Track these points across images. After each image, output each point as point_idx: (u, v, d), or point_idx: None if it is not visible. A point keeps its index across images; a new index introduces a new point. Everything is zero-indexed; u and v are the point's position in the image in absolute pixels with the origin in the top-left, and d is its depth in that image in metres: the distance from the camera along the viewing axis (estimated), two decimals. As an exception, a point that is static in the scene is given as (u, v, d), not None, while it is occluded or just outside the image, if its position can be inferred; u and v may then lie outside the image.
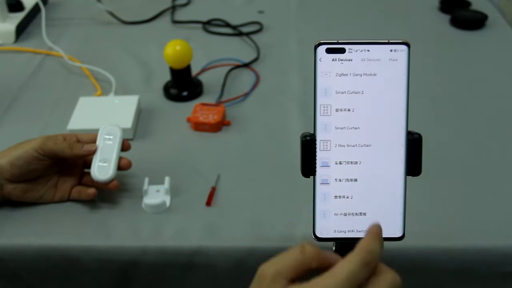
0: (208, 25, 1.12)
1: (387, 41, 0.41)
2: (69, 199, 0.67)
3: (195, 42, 0.92)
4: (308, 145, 0.42)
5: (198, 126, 0.81)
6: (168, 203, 0.67)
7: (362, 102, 0.41)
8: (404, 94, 0.41)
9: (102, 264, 0.62)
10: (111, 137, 0.67)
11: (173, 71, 0.87)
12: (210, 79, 0.92)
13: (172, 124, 0.83)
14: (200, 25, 1.13)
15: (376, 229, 0.39)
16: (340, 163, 0.42)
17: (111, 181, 0.64)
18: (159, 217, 0.65)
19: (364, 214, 0.43)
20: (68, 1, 1.25)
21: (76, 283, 0.65)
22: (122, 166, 0.66)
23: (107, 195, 0.68)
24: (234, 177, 0.72)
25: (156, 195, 0.67)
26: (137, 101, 0.83)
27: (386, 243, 0.43)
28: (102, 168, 0.64)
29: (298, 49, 1.02)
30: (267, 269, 0.38)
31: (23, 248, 0.62)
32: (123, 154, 0.68)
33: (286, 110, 0.85)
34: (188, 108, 0.84)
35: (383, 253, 0.38)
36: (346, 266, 0.37)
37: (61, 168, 0.67)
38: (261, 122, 0.83)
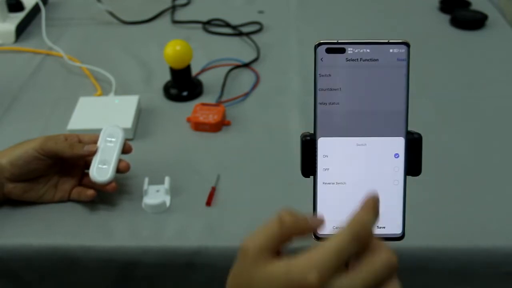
0: (208, 25, 1.12)
1: (387, 41, 0.40)
2: (69, 200, 0.67)
3: (195, 42, 0.92)
4: (308, 145, 0.42)
5: (198, 126, 0.81)
6: (168, 203, 0.67)
7: (362, 102, 0.41)
8: (404, 94, 0.41)
9: (102, 264, 0.62)
10: (113, 139, 0.67)
11: (173, 71, 0.87)
12: (210, 79, 0.92)
13: (172, 124, 0.83)
14: (200, 25, 1.13)
15: (371, 202, 0.37)
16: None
17: (109, 183, 0.64)
18: (159, 217, 0.65)
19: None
20: (68, 1, 1.25)
21: (76, 283, 0.65)
22: (120, 169, 0.66)
23: (107, 195, 0.68)
24: (234, 177, 0.72)
25: (156, 195, 0.67)
26: (137, 101, 0.83)
27: (385, 243, 0.43)
28: (101, 169, 0.64)
29: (298, 49, 1.02)
30: (249, 245, 0.36)
31: (23, 248, 0.62)
32: (124, 156, 0.68)
33: (286, 110, 0.85)
34: (188, 108, 0.84)
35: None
36: (335, 239, 0.34)
37: (62, 168, 0.67)
38: (261, 122, 0.83)
